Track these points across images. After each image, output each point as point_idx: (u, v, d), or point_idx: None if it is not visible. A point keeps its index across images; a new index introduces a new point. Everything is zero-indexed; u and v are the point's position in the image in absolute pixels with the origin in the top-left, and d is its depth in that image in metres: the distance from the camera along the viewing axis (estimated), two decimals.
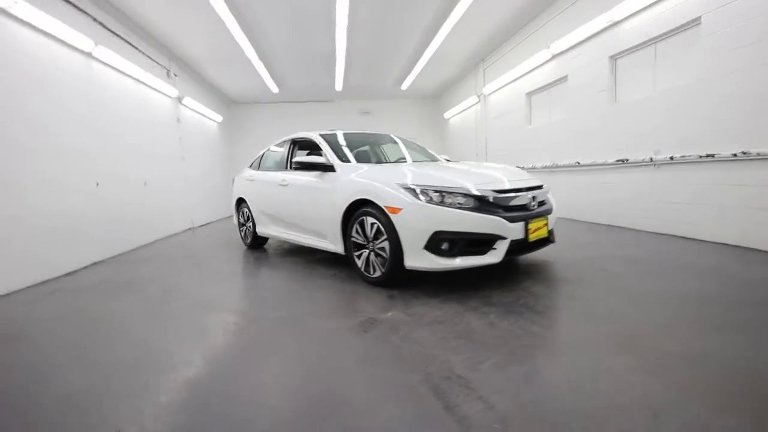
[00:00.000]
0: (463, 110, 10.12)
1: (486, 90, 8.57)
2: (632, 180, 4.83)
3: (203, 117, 9.48)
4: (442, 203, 2.67)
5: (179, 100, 7.87)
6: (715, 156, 3.75)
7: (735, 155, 3.56)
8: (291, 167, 4.32)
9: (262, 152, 5.14)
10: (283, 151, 4.50)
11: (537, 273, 3.18)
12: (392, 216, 2.76)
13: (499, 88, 8.08)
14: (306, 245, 3.96)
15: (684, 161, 4.09)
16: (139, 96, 6.29)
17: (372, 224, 2.95)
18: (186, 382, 1.72)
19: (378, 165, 3.53)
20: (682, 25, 4.07)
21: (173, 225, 7.26)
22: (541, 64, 6.48)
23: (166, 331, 2.42)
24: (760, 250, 3.41)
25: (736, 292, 2.52)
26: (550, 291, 2.74)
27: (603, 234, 4.77)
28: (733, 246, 3.64)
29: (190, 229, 7.97)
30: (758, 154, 3.38)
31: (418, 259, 2.70)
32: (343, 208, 3.21)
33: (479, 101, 9.12)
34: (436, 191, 2.71)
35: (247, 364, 1.88)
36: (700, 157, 3.89)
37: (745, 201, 3.54)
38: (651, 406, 1.37)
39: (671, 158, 4.22)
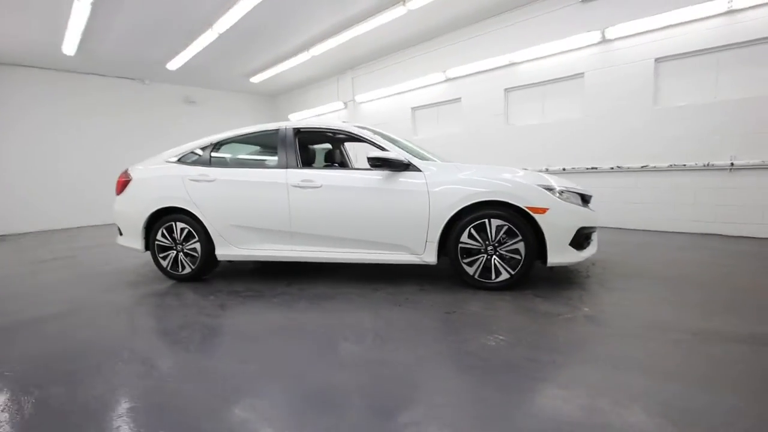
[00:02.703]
0: (321, 114, 9.94)
1: (358, 98, 8.80)
2: None
3: None
4: (571, 201, 2.93)
5: None
6: (597, 168, 5.53)
7: (612, 168, 5.40)
8: (301, 164, 3.36)
9: (208, 141, 3.65)
10: (286, 143, 3.40)
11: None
12: (537, 216, 2.79)
13: (376, 99, 8.49)
14: (348, 261, 3.20)
15: (573, 172, 5.77)
16: None
17: (499, 227, 2.85)
18: None
19: (449, 164, 3.30)
20: (570, 76, 5.73)
21: None
22: (433, 84, 7.36)
23: None
24: (640, 230, 5.27)
25: (717, 254, 3.88)
26: (636, 264, 3.44)
27: None
28: (615, 228, 5.47)
29: None
30: (628, 168, 5.27)
31: (562, 255, 2.84)
32: (452, 212, 2.92)
33: (346, 107, 9.24)
34: (568, 191, 2.95)
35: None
36: (587, 169, 5.63)
37: (621, 198, 5.41)
38: None
39: (563, 169, 5.86)
